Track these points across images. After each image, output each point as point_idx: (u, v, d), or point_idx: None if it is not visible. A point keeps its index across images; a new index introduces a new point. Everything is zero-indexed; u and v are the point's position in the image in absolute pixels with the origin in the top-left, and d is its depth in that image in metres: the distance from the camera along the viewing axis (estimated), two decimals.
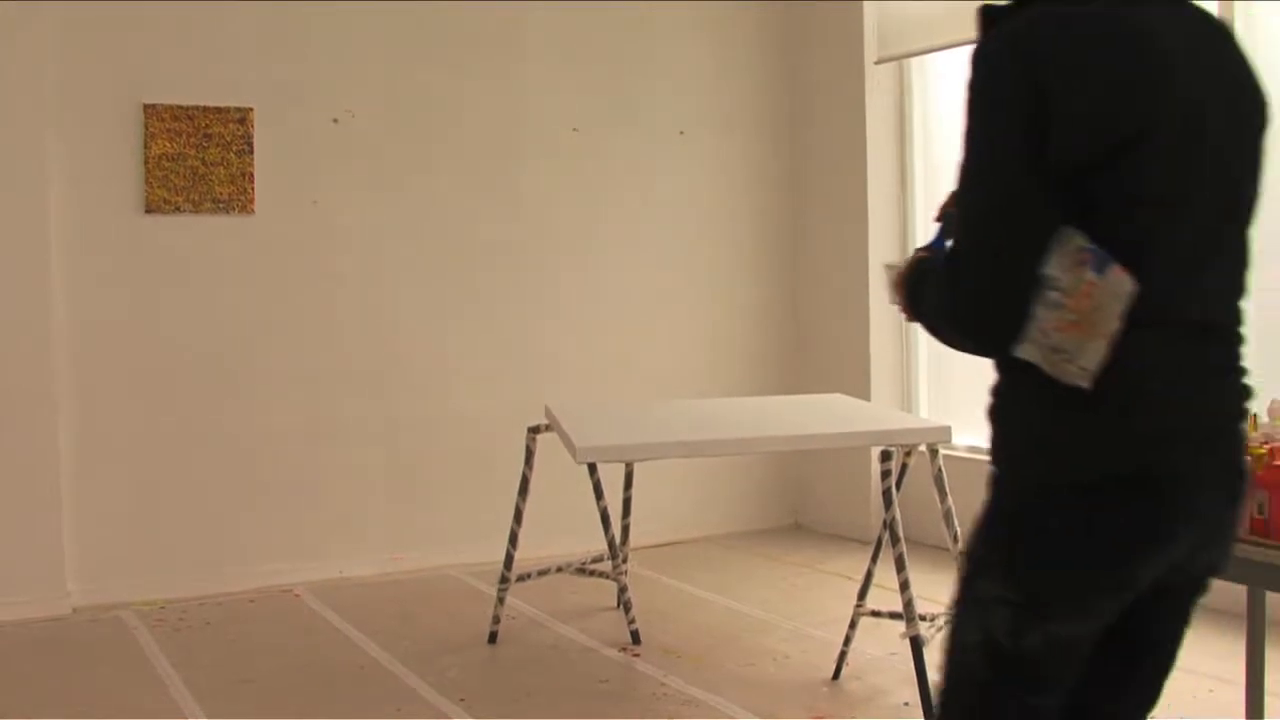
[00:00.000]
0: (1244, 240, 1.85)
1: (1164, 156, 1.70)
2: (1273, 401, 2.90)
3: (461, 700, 4.18)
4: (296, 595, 5.55)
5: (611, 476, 5.02)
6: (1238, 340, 1.87)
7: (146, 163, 5.45)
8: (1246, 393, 1.88)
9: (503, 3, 6.07)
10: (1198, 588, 1.94)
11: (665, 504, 6.26)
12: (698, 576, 5.75)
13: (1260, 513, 2.62)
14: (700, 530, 6.52)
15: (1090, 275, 1.68)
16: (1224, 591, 3.85)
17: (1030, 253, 1.69)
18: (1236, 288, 1.86)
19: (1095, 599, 1.79)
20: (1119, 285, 1.69)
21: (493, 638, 4.82)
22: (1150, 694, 2.03)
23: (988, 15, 1.78)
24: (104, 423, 5.41)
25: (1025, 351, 1.75)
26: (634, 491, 5.16)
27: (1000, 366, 1.85)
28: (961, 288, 1.76)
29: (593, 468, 4.78)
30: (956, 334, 1.82)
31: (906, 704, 4.09)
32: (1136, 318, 1.70)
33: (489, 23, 6.07)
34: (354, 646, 4.82)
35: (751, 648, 4.74)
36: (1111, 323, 1.70)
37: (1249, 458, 1.93)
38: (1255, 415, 2.89)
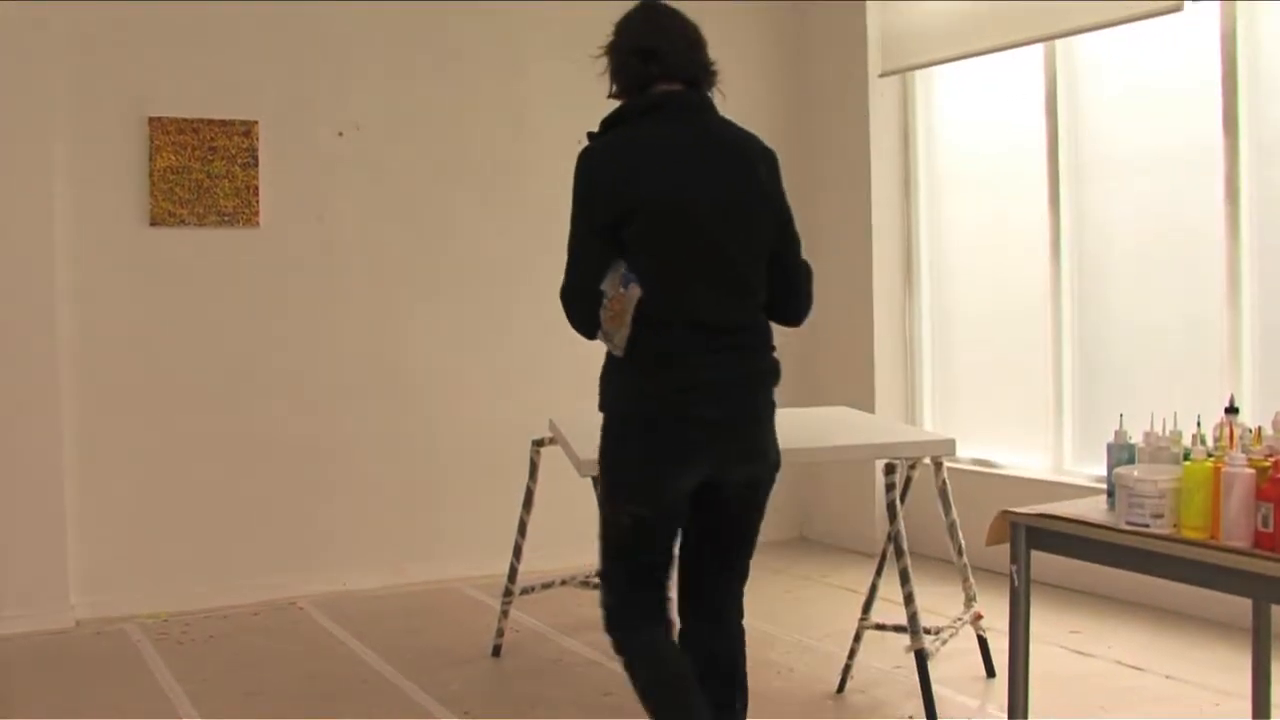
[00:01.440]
0: (736, 274, 2.90)
1: (654, 222, 2.84)
2: (1277, 414, 2.89)
3: (465, 713, 4.17)
4: (300, 608, 5.54)
5: None
6: (734, 333, 2.90)
7: (151, 175, 5.46)
8: (746, 362, 2.92)
9: (508, 16, 6.10)
10: (745, 494, 2.99)
11: None
12: None
13: (1265, 526, 2.61)
14: None
15: (620, 289, 2.82)
16: (1229, 605, 3.85)
17: (590, 278, 2.88)
18: (730, 303, 2.90)
19: (645, 491, 2.89)
20: (632, 295, 2.81)
21: (496, 650, 4.81)
22: (732, 564, 3.07)
23: (589, 135, 2.98)
24: (108, 435, 5.41)
25: (600, 337, 2.90)
26: None
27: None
28: (563, 300, 2.95)
29: (596, 480, 4.77)
30: (574, 328, 2.98)
31: (911, 717, 4.07)
32: (648, 316, 2.82)
33: (494, 35, 6.09)
34: (357, 659, 4.81)
35: (755, 660, 4.69)
36: (628, 318, 2.82)
37: (762, 400, 2.95)
38: (1260, 429, 2.88)
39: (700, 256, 2.86)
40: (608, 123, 2.99)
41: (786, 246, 3.04)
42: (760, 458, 2.97)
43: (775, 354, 3.00)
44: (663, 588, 3.02)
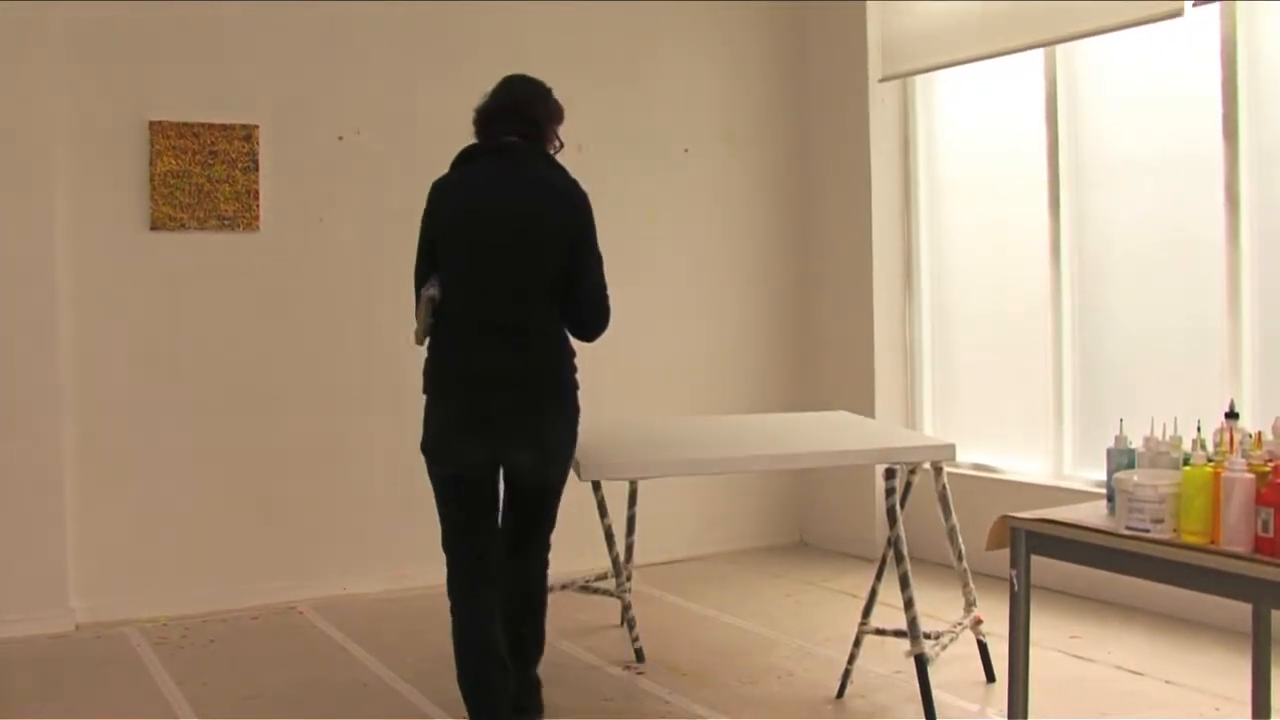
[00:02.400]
0: (521, 286, 3.60)
1: (457, 239, 3.65)
2: (1277, 419, 2.89)
3: (465, 718, 4.16)
4: (300, 612, 5.54)
5: (615, 494, 5.01)
6: (512, 332, 3.60)
7: (152, 180, 5.46)
8: (527, 360, 3.59)
9: (508, 17, 6.10)
10: (529, 475, 3.72)
11: (669, 521, 6.25)
12: (702, 594, 5.74)
13: (1265, 531, 2.61)
14: (704, 548, 6.51)
15: (426, 292, 3.64)
16: (1229, 609, 3.85)
17: (419, 284, 3.71)
18: (516, 308, 3.60)
19: (443, 455, 3.68)
20: (429, 295, 3.62)
21: None
22: (531, 529, 3.86)
23: (451, 166, 3.77)
24: (108, 439, 5.41)
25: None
26: (638, 509, 5.14)
27: None
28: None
29: (596, 485, 4.78)
30: None
31: None
32: (447, 315, 3.63)
33: (493, 41, 6.08)
34: (358, 664, 4.81)
35: (756, 665, 4.73)
36: (425, 315, 3.63)
37: (545, 395, 3.62)
38: (1260, 433, 2.88)
39: (491, 269, 3.59)
40: (455, 162, 3.78)
41: (581, 269, 3.67)
42: (539, 446, 3.64)
43: (567, 358, 3.67)
44: (481, 548, 3.73)
